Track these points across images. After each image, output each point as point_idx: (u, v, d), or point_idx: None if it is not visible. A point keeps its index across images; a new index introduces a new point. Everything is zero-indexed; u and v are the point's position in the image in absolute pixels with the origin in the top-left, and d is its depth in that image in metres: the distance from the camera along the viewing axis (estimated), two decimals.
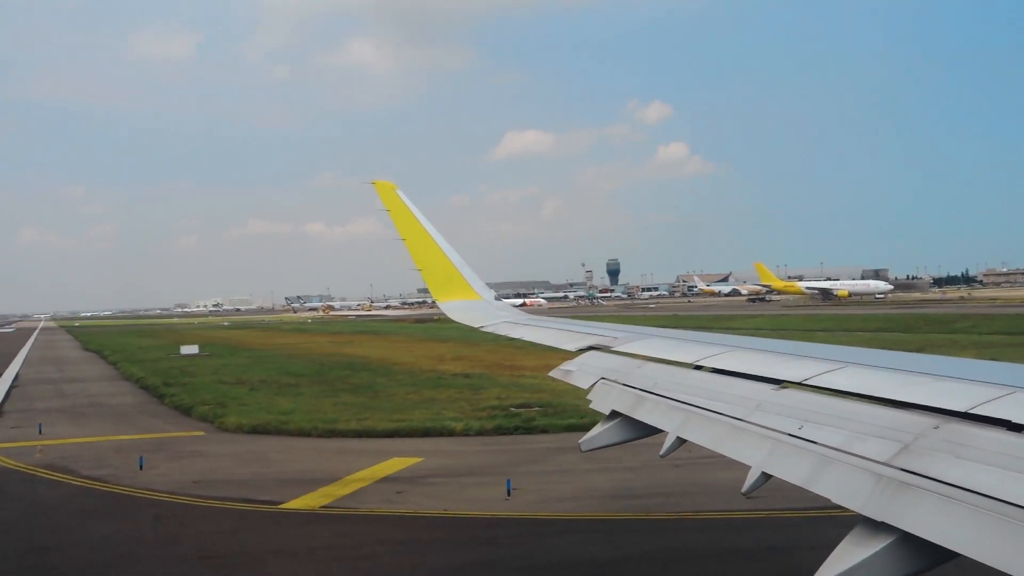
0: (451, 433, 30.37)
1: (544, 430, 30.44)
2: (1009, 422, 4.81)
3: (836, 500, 5.11)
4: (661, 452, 7.63)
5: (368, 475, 23.44)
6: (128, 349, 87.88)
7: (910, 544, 4.48)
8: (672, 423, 7.71)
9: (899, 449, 5.07)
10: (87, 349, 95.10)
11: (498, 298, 19.75)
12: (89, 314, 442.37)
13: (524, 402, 36.47)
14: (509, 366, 51.75)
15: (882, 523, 4.64)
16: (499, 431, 30.43)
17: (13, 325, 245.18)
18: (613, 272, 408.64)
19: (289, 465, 25.59)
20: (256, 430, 32.20)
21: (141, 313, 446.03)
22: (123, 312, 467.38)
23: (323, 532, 18.49)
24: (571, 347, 11.78)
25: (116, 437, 31.75)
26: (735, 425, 6.78)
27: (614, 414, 8.82)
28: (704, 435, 7.12)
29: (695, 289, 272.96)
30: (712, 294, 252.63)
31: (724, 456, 6.64)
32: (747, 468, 6.35)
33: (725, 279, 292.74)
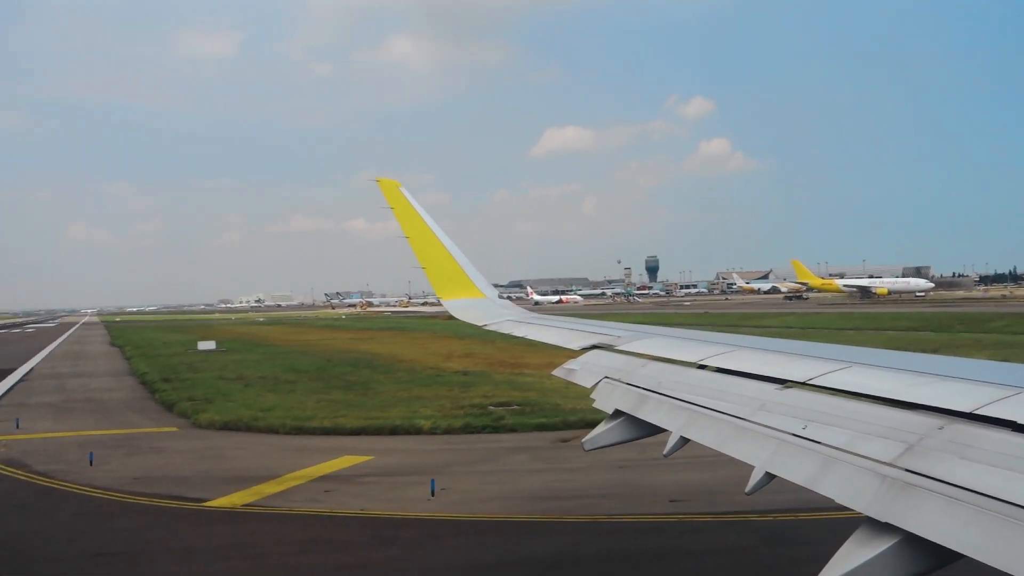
0: (418, 431, 30.20)
1: (512, 429, 30.43)
2: (1015, 423, 4.76)
3: (840, 500, 5.05)
4: (664, 451, 7.58)
5: (309, 473, 23.39)
6: (151, 344, 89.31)
7: (914, 545, 4.44)
8: (675, 422, 7.66)
9: (904, 449, 5.03)
10: (113, 344, 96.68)
11: (502, 296, 19.59)
12: (135, 309, 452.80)
13: (507, 400, 36.35)
14: (513, 364, 51.65)
15: (886, 524, 4.59)
16: (466, 430, 30.43)
17: (57, 320, 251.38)
18: (652, 269, 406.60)
19: (239, 462, 25.64)
20: (228, 427, 32.44)
21: (185, 309, 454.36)
22: (167, 308, 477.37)
23: (227, 531, 18.61)
24: (574, 346, 11.69)
25: (88, 432, 32.01)
26: (739, 425, 6.74)
27: (617, 413, 8.78)
28: (707, 435, 7.07)
29: (734, 287, 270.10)
30: (751, 292, 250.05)
31: (727, 455, 6.56)
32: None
33: (765, 276, 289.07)
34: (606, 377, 9.70)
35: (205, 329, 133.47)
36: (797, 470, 5.69)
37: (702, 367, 8.53)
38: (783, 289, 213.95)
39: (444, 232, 18.14)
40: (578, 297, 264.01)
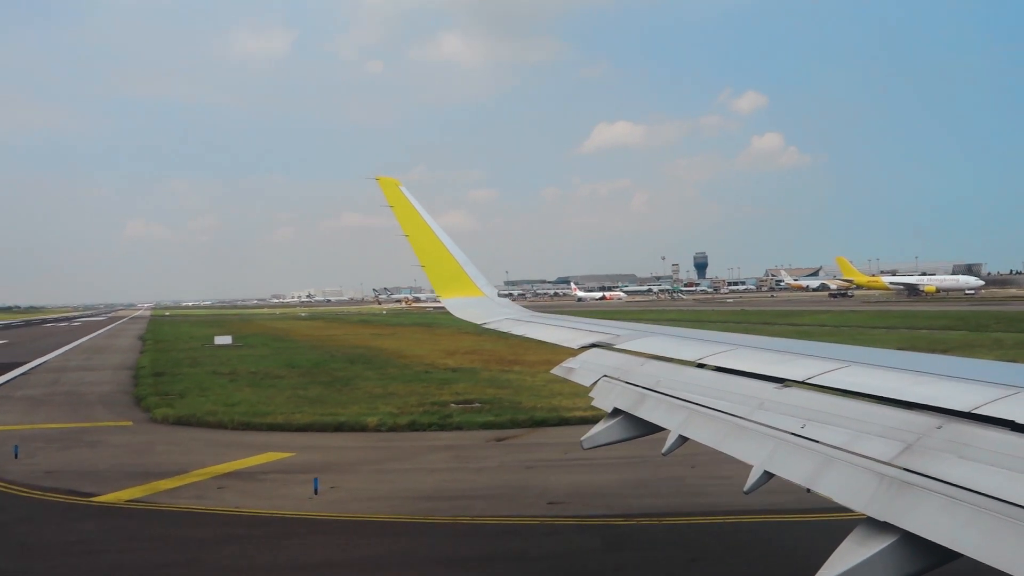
0: (363, 429, 30.02)
1: (458, 427, 30.42)
2: (1013, 422, 4.76)
3: (838, 500, 5.03)
4: (663, 450, 7.59)
5: (217, 470, 23.44)
6: (177, 338, 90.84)
7: (913, 544, 4.44)
8: (674, 421, 7.67)
9: (902, 449, 5.03)
10: (141, 338, 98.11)
11: (501, 295, 19.56)
12: (190, 304, 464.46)
13: (472, 398, 36.31)
14: (510, 361, 51.71)
15: (884, 523, 4.59)
16: (411, 427, 30.35)
17: (109, 314, 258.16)
18: (700, 266, 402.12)
19: (162, 458, 25.71)
20: (180, 422, 32.62)
21: (238, 304, 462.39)
22: (221, 302, 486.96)
23: (87, 526, 18.62)
24: (574, 344, 11.67)
25: (42, 426, 32.35)
26: (737, 424, 6.75)
27: (616, 412, 8.78)
28: (706, 433, 7.07)
29: (782, 284, 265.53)
30: (800, 289, 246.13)
31: (725, 454, 6.57)
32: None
33: (815, 273, 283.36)
34: (605, 376, 9.70)
35: (243, 324, 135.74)
36: (795, 469, 5.69)
37: (701, 366, 8.52)
38: (832, 287, 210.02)
39: (444, 231, 18.17)
40: (622, 294, 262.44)
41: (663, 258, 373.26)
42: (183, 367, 54.22)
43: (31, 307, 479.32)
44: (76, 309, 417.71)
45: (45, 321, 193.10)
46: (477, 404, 34.75)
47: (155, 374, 49.55)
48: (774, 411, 6.56)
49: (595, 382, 9.73)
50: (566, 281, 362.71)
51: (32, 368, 57.50)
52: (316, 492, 20.15)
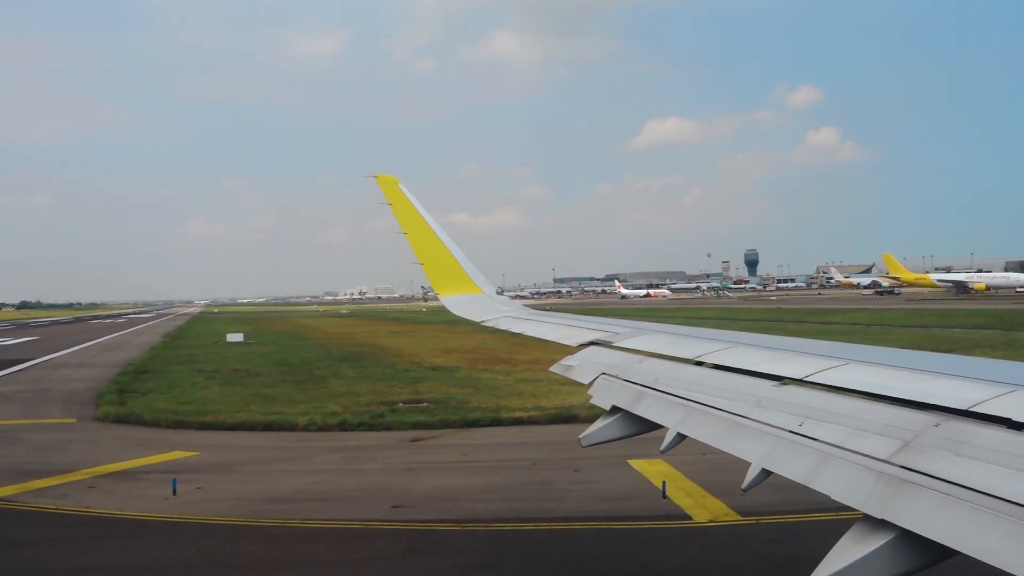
0: (292, 428, 29.88)
1: (387, 427, 29.95)
2: (1010, 420, 4.76)
3: (836, 497, 5.03)
4: (662, 448, 7.54)
5: (106, 469, 23.71)
6: (199, 335, 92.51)
7: (910, 541, 4.44)
8: (672, 419, 7.64)
9: (899, 446, 5.03)
10: (166, 335, 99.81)
11: (500, 292, 19.56)
12: (246, 300, 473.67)
13: (427, 397, 36.18)
14: (500, 360, 51.79)
15: (882, 520, 4.59)
16: (341, 427, 29.87)
17: (158, 310, 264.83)
18: (751, 263, 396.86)
19: (64, 455, 25.92)
20: (120, 420, 32.78)
21: (291, 300, 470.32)
22: (276, 299, 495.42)
23: None
24: (572, 342, 11.68)
25: None
26: (735, 421, 6.74)
27: (615, 409, 8.78)
28: (704, 431, 7.06)
29: (832, 281, 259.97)
30: (850, 286, 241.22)
31: (723, 452, 6.55)
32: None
33: (868, 270, 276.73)
34: (603, 373, 9.67)
35: (276, 321, 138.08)
36: (793, 467, 5.67)
37: (699, 364, 8.50)
38: (884, 284, 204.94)
39: (443, 229, 18.16)
40: (666, 292, 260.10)
41: (708, 255, 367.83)
42: (173, 365, 54.67)
43: (92, 303, 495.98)
44: (136, 306, 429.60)
45: (95, 318, 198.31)
46: (425, 403, 34.45)
47: (138, 372, 50.03)
48: (772, 409, 6.53)
49: (593, 380, 9.70)
50: (616, 278, 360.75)
51: (31, 365, 57.98)
52: (174, 493, 19.94)
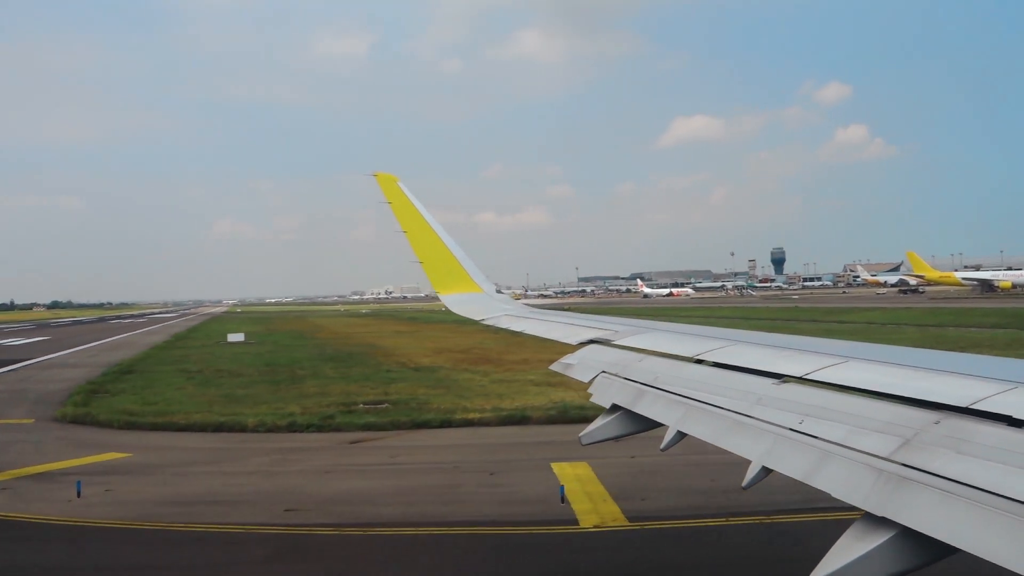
0: (243, 429, 29.70)
1: (336, 428, 29.82)
2: (1010, 417, 4.75)
3: (836, 495, 5.01)
4: (662, 446, 7.50)
5: (30, 470, 23.88)
6: (205, 335, 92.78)
7: (910, 539, 4.43)
8: (672, 417, 7.63)
9: (900, 444, 5.02)
10: (174, 335, 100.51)
11: (499, 291, 19.52)
12: (273, 300, 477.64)
13: (390, 399, 36.02)
14: (489, 360, 51.89)
15: (882, 518, 4.58)
16: (290, 428, 29.89)
17: (180, 311, 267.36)
18: (778, 261, 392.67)
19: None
20: (75, 420, 32.76)
21: (318, 300, 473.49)
22: (304, 298, 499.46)
23: None
24: (572, 341, 11.67)
25: None
26: (735, 419, 6.72)
27: (615, 408, 8.77)
28: (704, 429, 7.03)
29: (859, 279, 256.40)
30: (877, 284, 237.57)
31: (724, 450, 6.51)
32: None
33: (895, 268, 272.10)
34: (603, 371, 9.65)
35: (292, 321, 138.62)
36: (793, 464, 5.64)
37: (699, 362, 8.49)
38: (911, 282, 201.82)
39: (442, 228, 18.10)
40: (690, 291, 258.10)
41: (732, 254, 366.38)
42: (162, 365, 55.04)
43: (122, 303, 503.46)
44: (165, 306, 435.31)
45: (119, 318, 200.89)
46: (386, 404, 34.24)
47: (122, 372, 50.32)
48: (772, 407, 6.51)
49: (593, 378, 9.67)
50: (640, 277, 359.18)
51: (24, 365, 58.35)
52: (79, 495, 19.76)
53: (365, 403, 34.59)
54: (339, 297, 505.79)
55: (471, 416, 30.55)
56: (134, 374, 49.21)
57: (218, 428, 29.66)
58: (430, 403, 33.98)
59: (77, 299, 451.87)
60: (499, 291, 19.42)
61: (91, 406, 35.22)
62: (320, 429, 29.27)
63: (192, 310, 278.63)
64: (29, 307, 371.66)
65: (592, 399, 9.26)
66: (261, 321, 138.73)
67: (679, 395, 7.84)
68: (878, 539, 4.53)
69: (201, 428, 29.78)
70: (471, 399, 34.60)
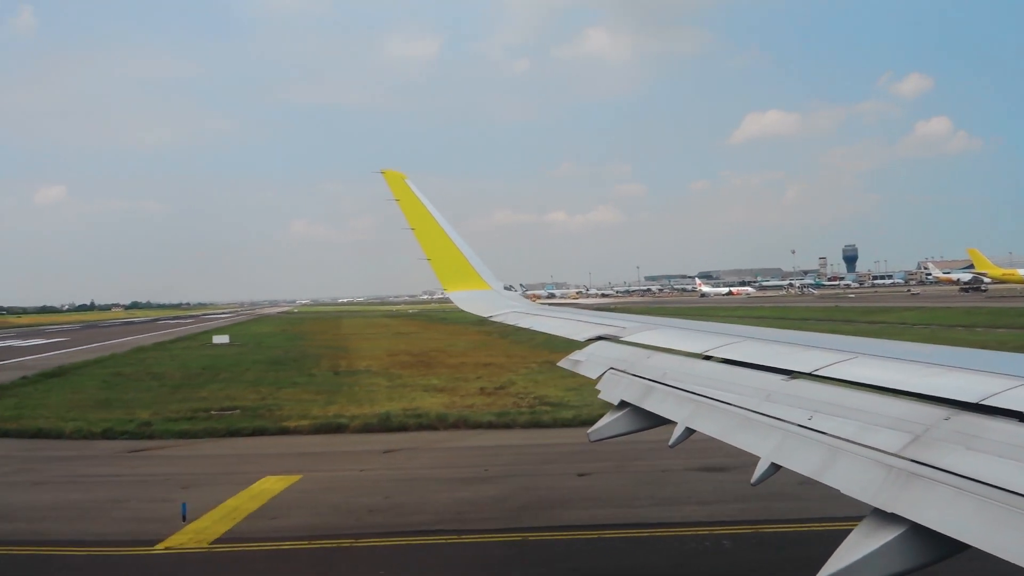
0: (58, 436, 29.50)
1: (151, 436, 29.33)
2: (1021, 413, 4.70)
3: (846, 491, 4.97)
4: (670, 442, 7.43)
5: None
6: (208, 337, 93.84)
7: (920, 535, 4.40)
8: (681, 413, 7.58)
9: (910, 440, 4.97)
10: (179, 337, 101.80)
11: (507, 288, 19.60)
12: (346, 300, 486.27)
13: (243, 405, 35.78)
14: (434, 364, 52.07)
15: (892, 514, 4.55)
16: (104, 435, 29.39)
17: (237, 312, 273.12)
18: (850, 259, 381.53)
19: None
20: None
21: (390, 300, 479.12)
22: (376, 298, 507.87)
23: None
24: (579, 337, 11.65)
25: None
26: (744, 416, 6.68)
27: (623, 404, 8.72)
28: (713, 425, 6.99)
29: (931, 277, 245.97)
30: (950, 282, 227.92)
31: (732, 446, 6.47)
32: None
33: (970, 266, 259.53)
34: (611, 368, 9.60)
35: (322, 322, 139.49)
36: (802, 461, 5.61)
37: (708, 358, 8.44)
38: (988, 279, 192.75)
39: (450, 225, 18.15)
40: (750, 289, 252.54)
41: (793, 252, 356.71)
42: (104, 368, 55.33)
43: (200, 303, 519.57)
44: (241, 305, 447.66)
45: (180, 318, 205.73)
46: (237, 411, 33.46)
47: (47, 376, 49.60)
48: (781, 403, 6.45)
49: (601, 374, 9.61)
50: (707, 276, 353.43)
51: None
52: None
53: (217, 410, 33.92)
54: (410, 297, 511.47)
55: (288, 424, 29.53)
56: (59, 377, 48.83)
57: (35, 435, 29.08)
58: (281, 409, 33.20)
59: (156, 300, 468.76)
60: (507, 288, 19.30)
61: None
62: (134, 436, 28.64)
63: (253, 311, 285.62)
64: (108, 308, 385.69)
65: (600, 396, 9.22)
66: (295, 322, 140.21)
67: (688, 391, 7.77)
68: (888, 535, 4.46)
69: (18, 434, 29.30)
70: (342, 407, 33.83)
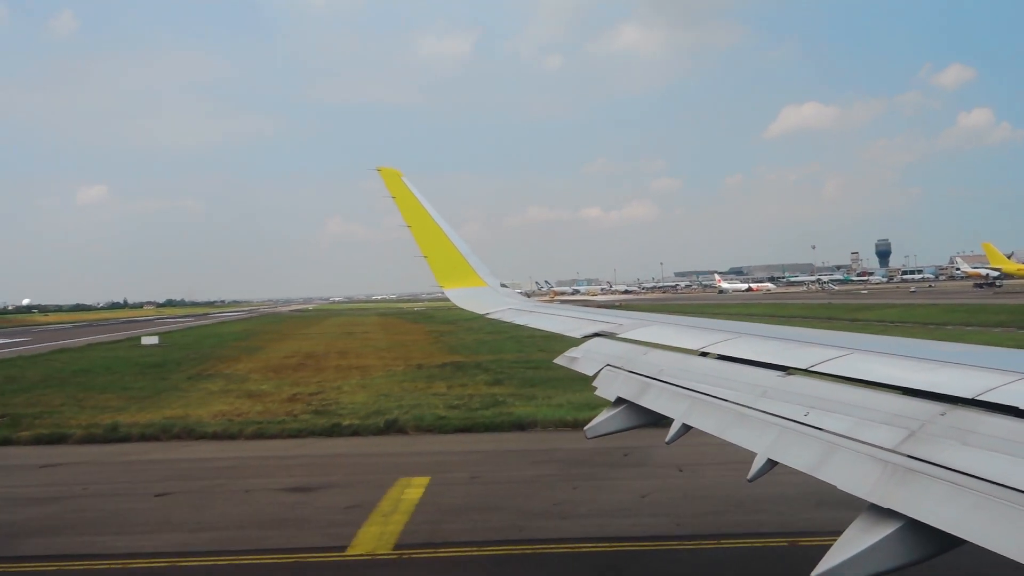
0: None
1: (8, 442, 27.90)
2: (1017, 408, 4.71)
3: (842, 487, 4.99)
4: (667, 439, 7.43)
5: None
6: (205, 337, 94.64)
7: (917, 531, 4.40)
8: (678, 409, 7.61)
9: (906, 436, 4.98)
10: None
11: (503, 284, 19.57)
12: (379, 297, 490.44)
13: (9, 413, 33.75)
14: (326, 368, 50.42)
15: (888, 510, 4.55)
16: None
17: (262, 309, 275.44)
18: (883, 254, 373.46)
19: None
20: None
21: (422, 297, 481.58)
22: (407, 295, 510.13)
23: None
24: (576, 334, 11.68)
25: None
26: (741, 412, 6.71)
27: (619, 401, 8.74)
28: (710, 422, 7.01)
29: (960, 272, 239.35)
30: (978, 277, 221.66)
31: (729, 442, 6.47)
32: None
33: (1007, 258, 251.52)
34: (608, 364, 9.62)
35: (307, 321, 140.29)
36: (799, 457, 5.62)
37: (704, 354, 8.46)
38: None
39: (446, 222, 18.15)
40: (770, 285, 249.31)
41: (813, 247, 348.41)
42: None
43: (234, 301, 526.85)
44: (275, 303, 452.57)
45: (196, 316, 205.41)
46: (6, 417, 31.98)
47: None
48: (777, 399, 6.46)
49: (598, 371, 9.61)
50: (738, 271, 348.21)
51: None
52: None
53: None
54: (442, 293, 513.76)
55: (38, 433, 28.23)
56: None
57: None
58: (50, 417, 31.43)
59: (190, 297, 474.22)
60: (503, 285, 19.18)
61: None
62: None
63: (275, 308, 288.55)
64: (140, 305, 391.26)
65: (597, 392, 9.19)
66: (279, 321, 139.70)
67: (684, 388, 7.77)
68: (884, 531, 4.46)
69: None
70: (133, 413, 32.21)
